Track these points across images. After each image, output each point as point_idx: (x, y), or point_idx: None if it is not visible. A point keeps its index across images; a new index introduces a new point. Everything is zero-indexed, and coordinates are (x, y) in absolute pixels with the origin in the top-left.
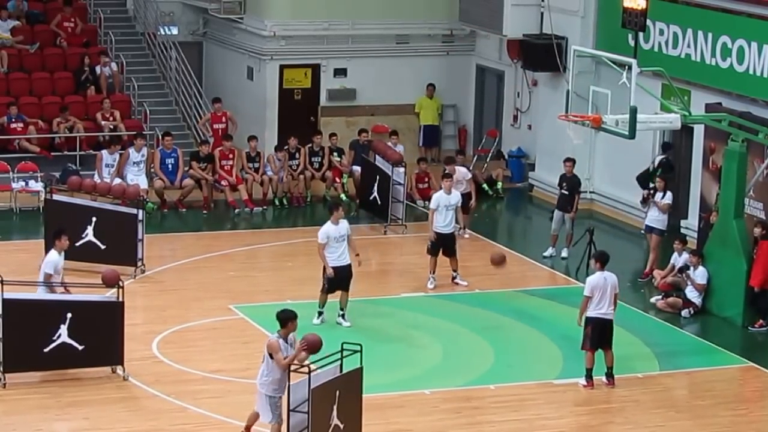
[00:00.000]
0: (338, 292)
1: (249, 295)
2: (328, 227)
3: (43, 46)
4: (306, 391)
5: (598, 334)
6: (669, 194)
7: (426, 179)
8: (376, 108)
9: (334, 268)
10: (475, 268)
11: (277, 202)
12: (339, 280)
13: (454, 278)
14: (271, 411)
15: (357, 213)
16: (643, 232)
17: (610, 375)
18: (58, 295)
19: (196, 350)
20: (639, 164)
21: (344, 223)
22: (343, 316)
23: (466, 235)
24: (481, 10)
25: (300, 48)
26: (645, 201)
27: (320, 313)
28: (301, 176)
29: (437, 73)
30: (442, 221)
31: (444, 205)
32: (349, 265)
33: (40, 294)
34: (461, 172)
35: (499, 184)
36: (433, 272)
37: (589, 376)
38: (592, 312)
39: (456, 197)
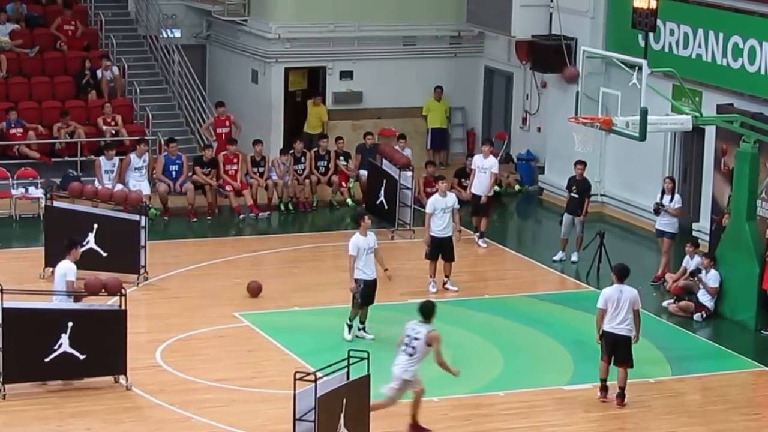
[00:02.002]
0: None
1: (254, 303)
2: (357, 239)
3: (43, 50)
4: (312, 399)
5: (610, 348)
6: (678, 197)
7: (434, 184)
8: (383, 111)
9: (365, 281)
10: (485, 272)
11: (282, 208)
12: (371, 293)
13: (444, 283)
14: (396, 389)
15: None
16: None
17: (620, 395)
18: (61, 304)
19: (200, 359)
20: (650, 166)
21: (372, 235)
22: (364, 329)
23: (484, 245)
24: (489, 11)
25: (305, 50)
26: (657, 211)
27: (350, 327)
28: (307, 181)
29: (445, 76)
30: (439, 225)
31: (440, 208)
32: (376, 279)
33: (41, 303)
34: (491, 160)
35: (516, 187)
36: (434, 276)
37: (601, 387)
38: (605, 325)
39: (452, 200)
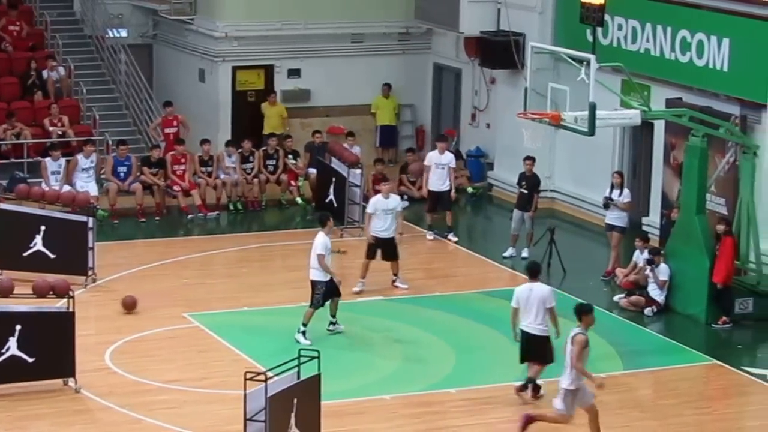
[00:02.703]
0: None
1: (204, 303)
2: (324, 239)
3: None
4: (263, 399)
5: (525, 346)
6: (627, 191)
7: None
8: (332, 109)
9: (325, 282)
10: (436, 270)
11: (231, 207)
12: (329, 292)
13: (394, 281)
14: (563, 402)
15: (313, 216)
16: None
17: (534, 387)
18: (8, 307)
19: (150, 360)
20: (600, 162)
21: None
22: (335, 322)
23: (454, 238)
24: (437, 8)
25: (253, 49)
26: (606, 206)
27: (304, 333)
28: (256, 180)
29: (393, 73)
30: (381, 225)
31: (381, 209)
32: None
33: None
34: (448, 156)
35: (470, 189)
36: (363, 276)
37: (530, 387)
38: (521, 323)
39: (394, 202)
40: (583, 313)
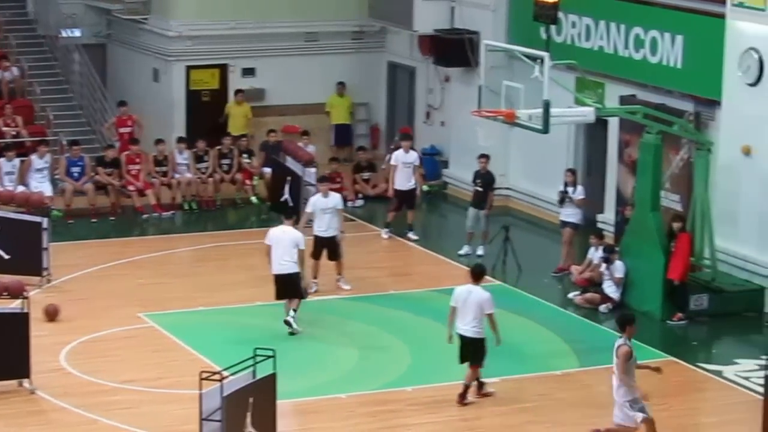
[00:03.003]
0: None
1: (159, 303)
2: (273, 231)
3: None
4: (219, 398)
5: (462, 350)
6: (580, 188)
7: (338, 179)
8: (286, 108)
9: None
10: (391, 268)
11: (186, 207)
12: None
13: (337, 281)
14: (624, 413)
15: (268, 215)
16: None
17: (461, 394)
18: None
19: (105, 360)
20: (554, 159)
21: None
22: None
23: (415, 237)
24: (391, 6)
25: (207, 48)
26: (562, 200)
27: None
28: (210, 179)
29: (348, 71)
30: (320, 225)
31: (320, 209)
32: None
33: None
34: (413, 155)
35: (425, 187)
36: (316, 277)
37: (466, 394)
38: (457, 325)
39: (333, 200)
40: (626, 323)
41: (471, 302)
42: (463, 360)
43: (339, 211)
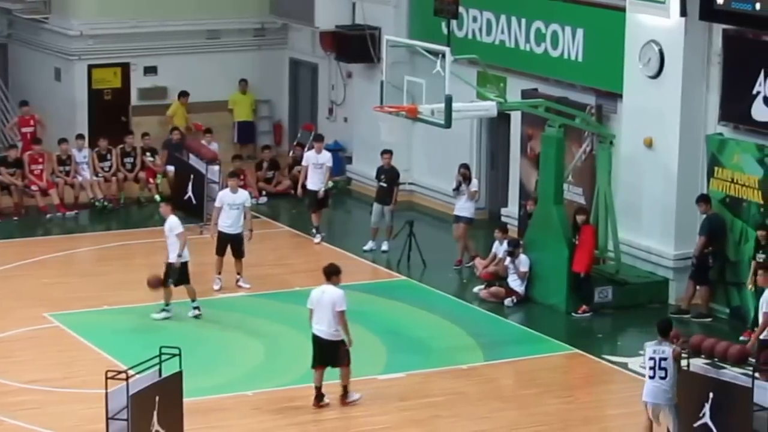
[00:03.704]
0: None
1: (64, 303)
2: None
3: None
4: (125, 397)
5: (317, 351)
6: (474, 181)
7: (241, 177)
8: (189, 106)
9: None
10: (295, 264)
11: (97, 204)
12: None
13: (237, 281)
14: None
15: (172, 213)
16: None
17: (342, 394)
18: None
19: (10, 361)
20: (457, 154)
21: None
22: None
23: (318, 239)
24: (293, 3)
25: (108, 47)
26: (458, 189)
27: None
28: (114, 178)
29: (250, 68)
30: (226, 221)
31: (227, 203)
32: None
33: None
34: (326, 155)
35: (329, 183)
36: (219, 273)
37: (316, 396)
38: (313, 327)
39: (241, 197)
40: (671, 329)
41: (325, 302)
42: (318, 363)
43: (247, 208)
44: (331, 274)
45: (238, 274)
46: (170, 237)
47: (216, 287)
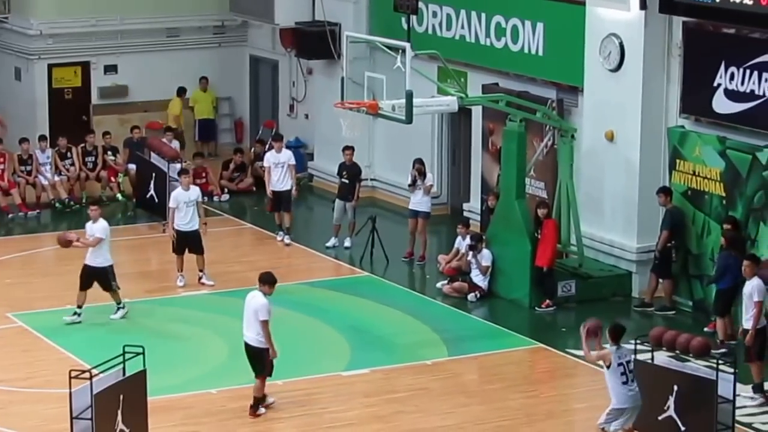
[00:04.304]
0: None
1: (27, 302)
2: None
3: None
4: (89, 397)
5: (247, 360)
6: (429, 176)
7: (203, 174)
8: (149, 104)
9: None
10: (258, 262)
11: (53, 205)
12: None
13: (200, 278)
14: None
15: (134, 212)
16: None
17: (252, 405)
18: None
19: None
20: (419, 149)
21: (102, 222)
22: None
23: (288, 240)
24: (252, 0)
25: (68, 46)
26: (414, 183)
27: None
28: (76, 177)
29: (210, 66)
30: (183, 219)
31: (183, 202)
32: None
33: None
34: (286, 154)
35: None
36: (181, 271)
37: (253, 405)
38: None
39: (195, 193)
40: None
41: (250, 308)
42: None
43: (200, 203)
44: (262, 281)
45: (201, 270)
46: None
47: (180, 284)
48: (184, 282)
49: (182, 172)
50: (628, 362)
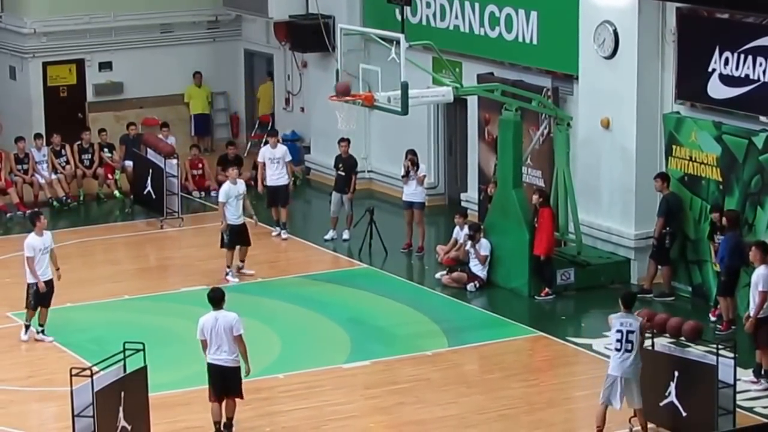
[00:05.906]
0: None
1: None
2: (33, 239)
3: None
4: (90, 394)
5: (217, 382)
6: (422, 166)
7: (200, 165)
8: (145, 100)
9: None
10: (257, 256)
11: (55, 204)
12: (47, 294)
13: (240, 268)
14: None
15: (132, 209)
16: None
17: (226, 425)
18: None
19: None
20: (415, 140)
21: (48, 235)
22: (43, 332)
23: (285, 236)
24: None
25: (63, 44)
26: (407, 174)
27: (27, 327)
28: (73, 175)
29: (204, 61)
30: (234, 213)
31: (233, 196)
32: (51, 280)
33: None
34: (281, 149)
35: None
36: (230, 266)
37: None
38: (209, 357)
39: (242, 186)
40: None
41: (220, 328)
42: (219, 393)
43: (245, 195)
44: (220, 300)
45: (241, 261)
46: (43, 254)
47: (235, 280)
48: (237, 278)
49: (229, 164)
50: (629, 332)
